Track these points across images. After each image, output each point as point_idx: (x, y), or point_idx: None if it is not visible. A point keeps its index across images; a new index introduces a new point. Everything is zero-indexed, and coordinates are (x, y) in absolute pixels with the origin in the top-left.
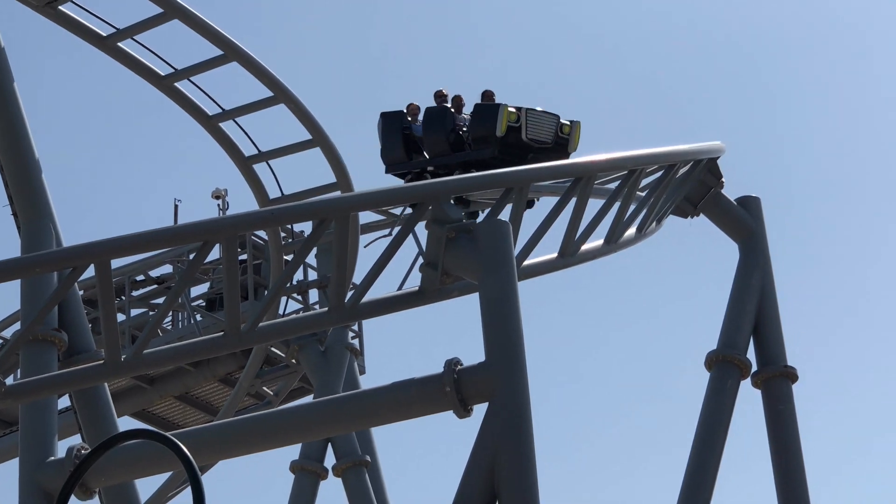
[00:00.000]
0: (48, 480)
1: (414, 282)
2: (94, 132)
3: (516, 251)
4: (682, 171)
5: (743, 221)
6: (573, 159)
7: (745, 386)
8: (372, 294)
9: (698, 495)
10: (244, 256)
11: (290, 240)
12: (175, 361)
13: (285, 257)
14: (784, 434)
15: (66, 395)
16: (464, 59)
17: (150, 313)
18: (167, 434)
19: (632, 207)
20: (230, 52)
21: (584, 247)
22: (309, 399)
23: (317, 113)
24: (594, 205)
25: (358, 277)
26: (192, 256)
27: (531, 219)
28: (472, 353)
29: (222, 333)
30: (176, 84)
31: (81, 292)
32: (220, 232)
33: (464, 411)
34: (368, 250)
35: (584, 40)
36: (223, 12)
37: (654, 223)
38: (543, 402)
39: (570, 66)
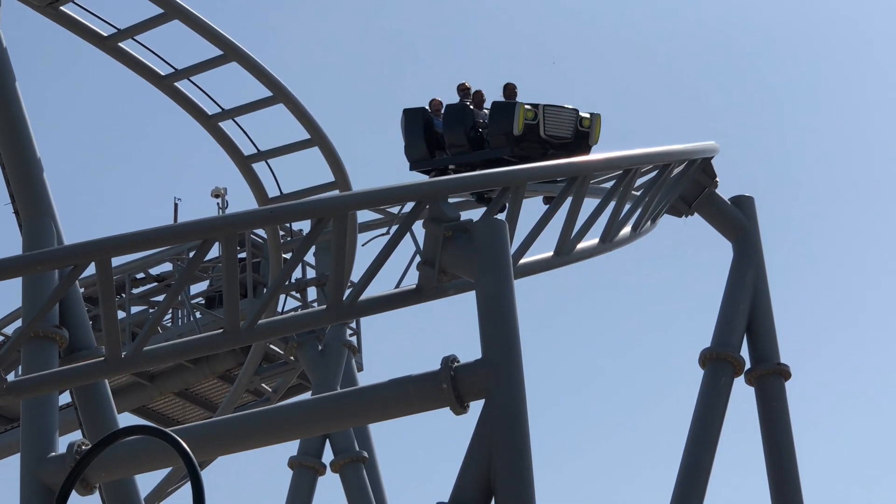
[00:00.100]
0: (49, 476)
1: (411, 280)
2: (95, 132)
3: (513, 250)
4: (676, 170)
5: (737, 220)
6: (570, 160)
7: (739, 383)
8: (370, 292)
9: (693, 490)
10: (243, 255)
11: (288, 238)
12: (175, 358)
13: (284, 255)
14: (777, 430)
15: (67, 392)
16: (463, 59)
17: (151, 311)
18: (167, 430)
19: (627, 206)
20: (230, 53)
21: (580, 245)
22: (307, 396)
23: (315, 113)
24: (590, 204)
25: (356, 275)
26: (191, 254)
27: (527, 218)
28: (469, 350)
29: (221, 331)
30: (176, 84)
31: (82, 290)
32: (219, 230)
33: (460, 408)
34: (366, 248)
35: (575, 39)
36: (223, 13)
37: (648, 222)
38: (539, 399)
39: (561, 64)
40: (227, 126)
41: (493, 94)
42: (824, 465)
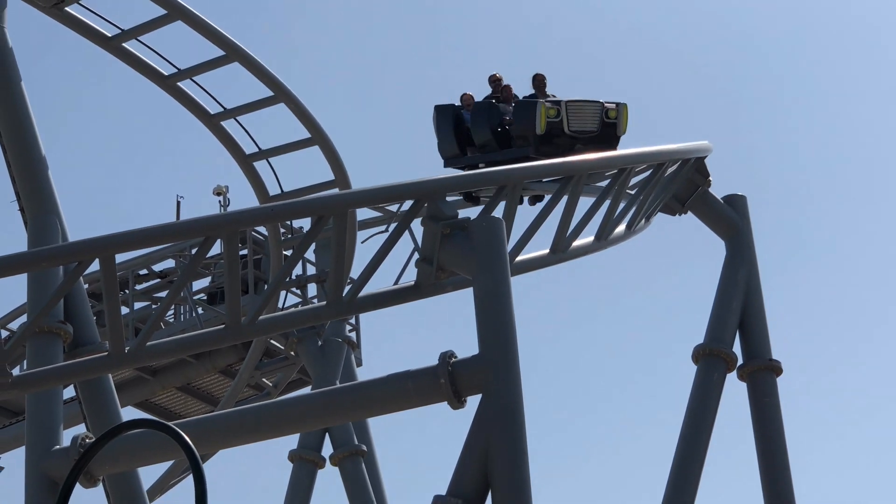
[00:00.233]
0: (54, 468)
1: (410, 277)
2: (100, 131)
3: (509, 247)
4: (670, 170)
5: (729, 219)
6: (565, 159)
7: (731, 379)
8: (369, 288)
9: (686, 483)
10: (245, 251)
11: (289, 235)
12: (177, 353)
13: (285, 252)
14: (768, 425)
15: (72, 386)
16: (463, 59)
17: (153, 306)
18: (169, 424)
19: (622, 205)
20: (232, 53)
21: (576, 243)
22: (307, 390)
23: (315, 112)
24: (585, 202)
25: (355, 272)
26: (194, 251)
27: (524, 216)
28: (466, 345)
29: (223, 326)
30: (179, 83)
31: (86, 286)
32: (221, 228)
33: (458, 403)
34: (365, 246)
35: (560, 39)
36: (225, 14)
37: (643, 220)
38: (535, 393)
39: (554, 62)
40: (228, 125)
41: (518, 86)
42: (815, 458)
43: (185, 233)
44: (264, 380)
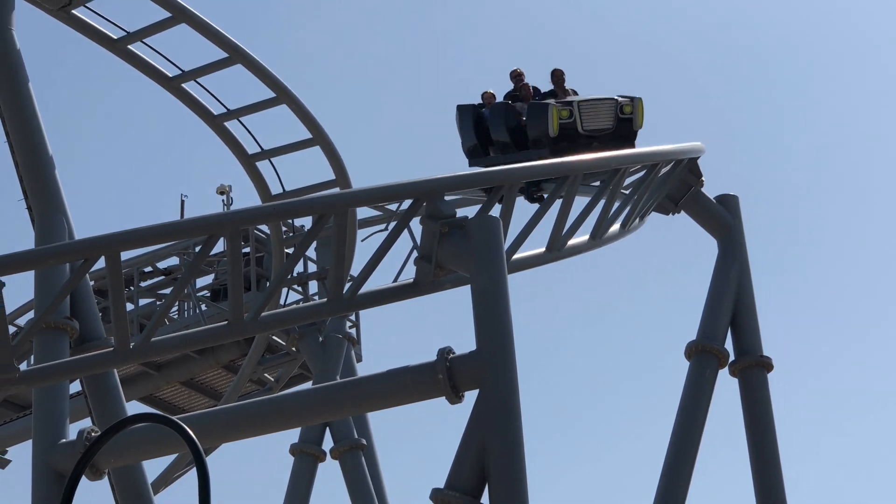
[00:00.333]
0: (60, 461)
1: (409, 274)
2: (106, 131)
3: (506, 246)
4: (664, 170)
5: (722, 218)
6: (562, 159)
7: (723, 375)
8: (369, 286)
9: (678, 478)
10: (247, 249)
11: (291, 234)
12: (181, 349)
13: (286, 250)
14: (759, 420)
15: (78, 381)
16: (463, 59)
17: (158, 303)
18: (173, 418)
19: (616, 205)
20: (235, 55)
21: (571, 242)
22: (308, 385)
23: (317, 113)
24: (580, 202)
25: (355, 270)
26: (197, 249)
27: (520, 215)
28: (464, 342)
29: (226, 322)
30: (183, 85)
31: (92, 283)
32: (224, 226)
33: (455, 398)
34: (365, 244)
35: (556, 40)
36: (228, 17)
37: (637, 220)
38: (531, 389)
39: (547, 64)
40: (232, 126)
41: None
42: (805, 453)
43: (189, 231)
44: (266, 375)
